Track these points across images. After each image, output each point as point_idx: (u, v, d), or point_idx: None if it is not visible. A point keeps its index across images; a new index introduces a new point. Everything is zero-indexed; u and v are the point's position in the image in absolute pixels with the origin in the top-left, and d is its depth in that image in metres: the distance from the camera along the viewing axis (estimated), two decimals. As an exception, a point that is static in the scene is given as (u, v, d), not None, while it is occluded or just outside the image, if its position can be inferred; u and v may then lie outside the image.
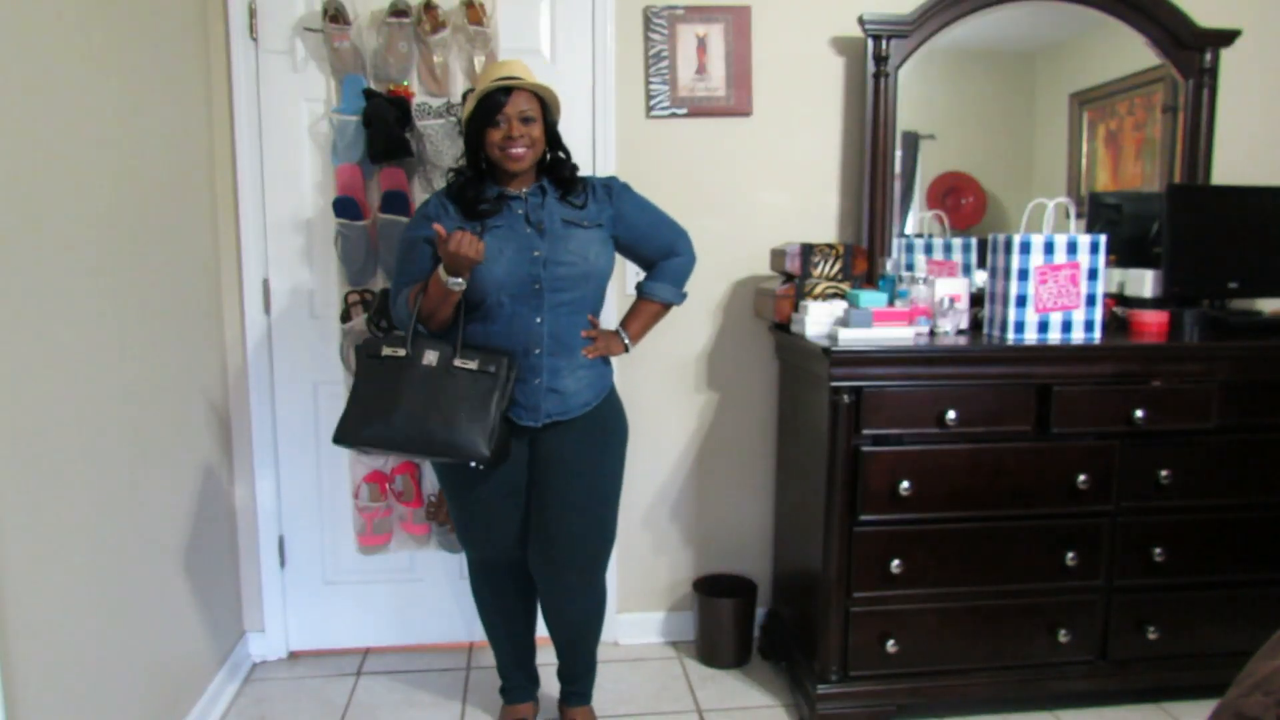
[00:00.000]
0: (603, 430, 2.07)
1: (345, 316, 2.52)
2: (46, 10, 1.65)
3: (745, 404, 2.77)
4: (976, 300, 2.46)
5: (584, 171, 2.10)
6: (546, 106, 1.98)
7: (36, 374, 1.59)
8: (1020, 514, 2.24)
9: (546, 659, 2.35)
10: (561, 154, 2.03)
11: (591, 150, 2.57)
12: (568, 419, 2.01)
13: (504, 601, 2.23)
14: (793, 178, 2.68)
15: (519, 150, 1.91)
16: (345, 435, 1.91)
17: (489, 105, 1.90)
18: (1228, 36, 2.61)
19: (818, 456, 2.24)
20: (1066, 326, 2.26)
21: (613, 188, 2.07)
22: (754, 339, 2.74)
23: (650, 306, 2.15)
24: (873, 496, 2.18)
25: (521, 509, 2.10)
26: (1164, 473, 2.25)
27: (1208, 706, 2.29)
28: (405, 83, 2.46)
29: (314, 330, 2.60)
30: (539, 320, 1.95)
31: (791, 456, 2.59)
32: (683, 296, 2.17)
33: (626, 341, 2.14)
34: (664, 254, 2.11)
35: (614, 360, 2.15)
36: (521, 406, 1.98)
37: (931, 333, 2.30)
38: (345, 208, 2.41)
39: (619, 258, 2.12)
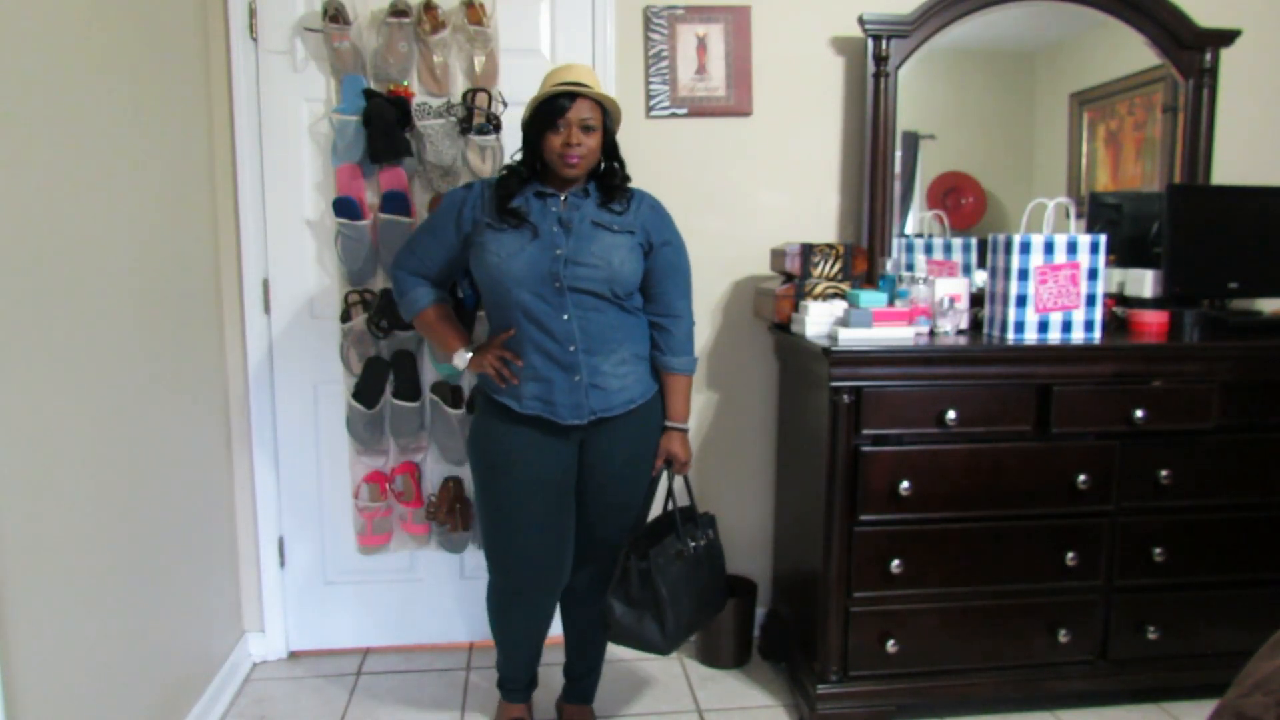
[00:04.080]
0: (649, 430, 2.07)
1: (345, 316, 2.51)
2: (46, 10, 1.65)
3: (745, 404, 2.77)
4: (976, 300, 2.46)
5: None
6: (607, 115, 1.97)
7: (36, 373, 1.59)
8: (1020, 514, 2.24)
9: (550, 658, 2.35)
10: (616, 164, 2.03)
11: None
12: (613, 415, 1.99)
13: (525, 610, 2.15)
14: (793, 178, 2.68)
15: (576, 158, 1.91)
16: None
17: (551, 109, 1.89)
18: (1228, 36, 2.61)
19: (818, 456, 2.24)
20: (1066, 326, 2.26)
21: (660, 213, 2.05)
22: (754, 339, 2.74)
23: (680, 381, 2.10)
24: (873, 496, 2.18)
25: (569, 525, 2.07)
26: (1164, 473, 2.25)
27: (1208, 706, 2.29)
28: (405, 83, 2.46)
29: (314, 330, 2.60)
30: (566, 318, 1.93)
31: (791, 456, 2.59)
32: (695, 363, 2.13)
33: (679, 426, 2.10)
34: (664, 304, 2.06)
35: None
36: (563, 405, 1.96)
37: (931, 333, 2.30)
38: (345, 208, 2.41)
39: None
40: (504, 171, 2.02)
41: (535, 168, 1.99)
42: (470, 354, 2.04)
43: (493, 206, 1.96)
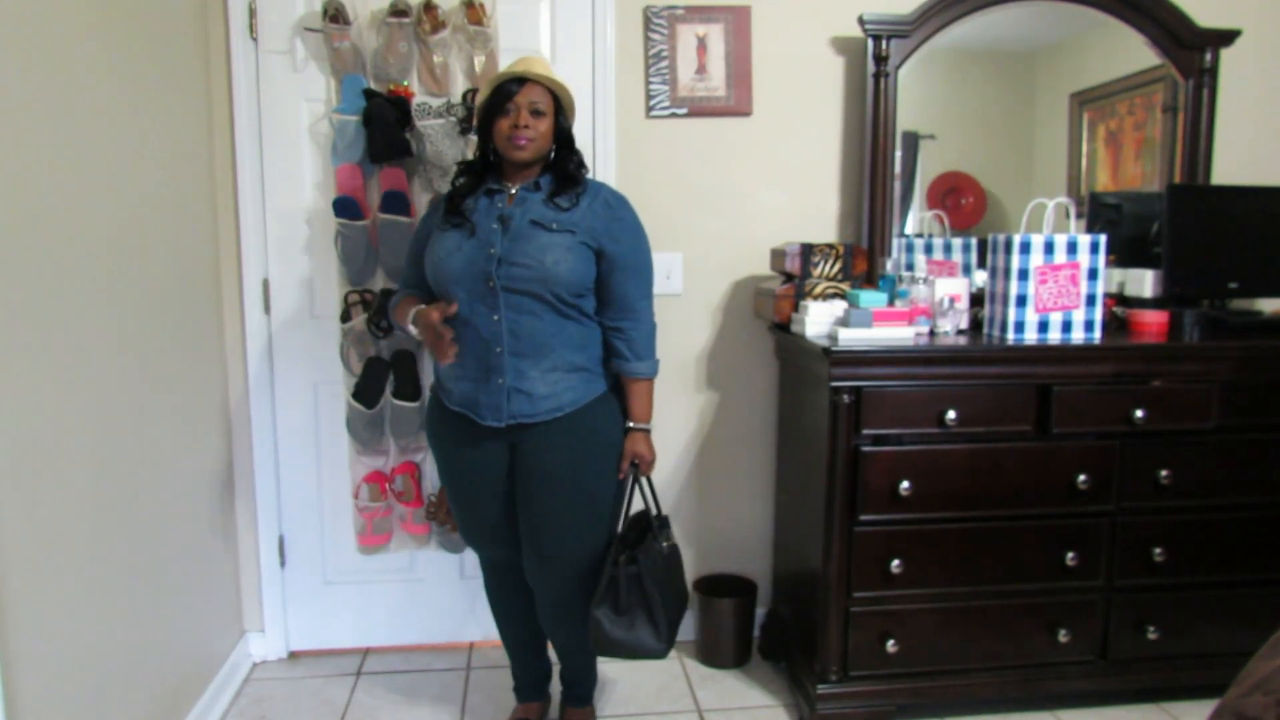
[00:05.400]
0: (588, 438, 1.99)
1: (345, 316, 2.52)
2: (46, 10, 1.65)
3: (745, 404, 2.77)
4: (976, 300, 2.46)
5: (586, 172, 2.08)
6: (561, 106, 1.97)
7: (37, 374, 1.59)
8: (1020, 514, 2.24)
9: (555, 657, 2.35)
10: (569, 154, 2.01)
11: (591, 150, 2.57)
12: (536, 422, 1.94)
13: (508, 602, 2.21)
14: (793, 178, 2.68)
15: (524, 140, 1.90)
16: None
17: (500, 94, 1.91)
18: (1228, 36, 2.61)
19: (818, 456, 2.24)
20: (1066, 326, 2.26)
21: (616, 210, 1.99)
22: (754, 339, 2.74)
23: (640, 385, 2.03)
24: (873, 496, 2.18)
25: (508, 520, 2.07)
26: (1164, 473, 2.25)
27: (1208, 706, 2.29)
28: (405, 83, 2.46)
29: (314, 330, 2.60)
30: (496, 319, 1.91)
31: (791, 456, 2.59)
32: (657, 367, 2.06)
33: (640, 426, 2.05)
34: (623, 305, 1.99)
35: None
36: (484, 406, 1.94)
37: (931, 333, 2.30)
38: (345, 208, 2.41)
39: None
40: (459, 167, 2.04)
41: (489, 160, 2.00)
42: (411, 317, 1.99)
43: (445, 207, 1.98)
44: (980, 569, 2.25)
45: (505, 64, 2.47)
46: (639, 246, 2.02)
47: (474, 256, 1.91)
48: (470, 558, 2.72)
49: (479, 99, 1.97)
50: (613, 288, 1.99)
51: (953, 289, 2.36)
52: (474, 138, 2.41)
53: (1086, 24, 2.64)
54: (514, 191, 1.97)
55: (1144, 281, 2.55)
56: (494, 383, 1.94)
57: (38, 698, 1.58)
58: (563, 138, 2.00)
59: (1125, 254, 2.64)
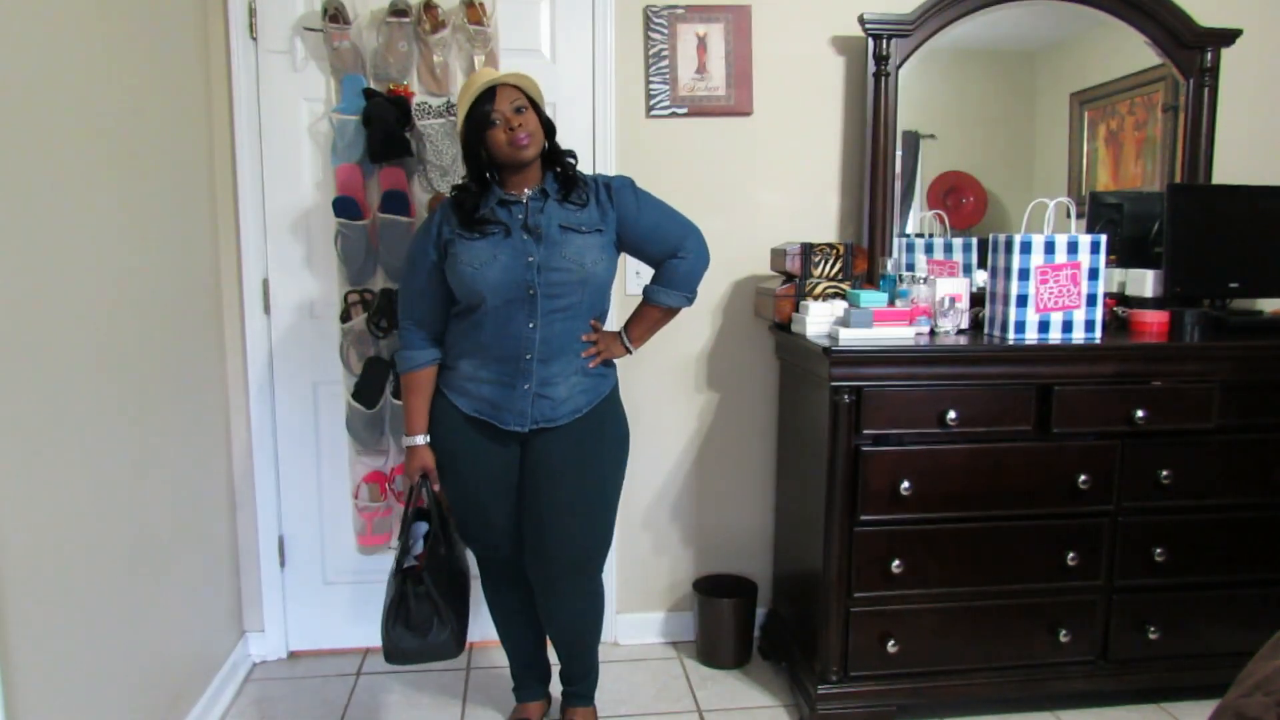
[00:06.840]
0: (597, 434, 2.04)
1: (345, 316, 2.51)
2: (46, 10, 1.65)
3: (745, 404, 2.77)
4: (977, 300, 2.46)
5: (584, 169, 2.08)
6: (533, 100, 1.97)
7: (36, 373, 1.59)
8: (1021, 514, 2.24)
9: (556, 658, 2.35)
10: (559, 145, 2.02)
11: (591, 150, 2.57)
12: (556, 426, 1.99)
13: (507, 601, 2.22)
14: (793, 178, 2.68)
15: (524, 137, 1.90)
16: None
17: (480, 112, 1.91)
18: (1228, 36, 2.61)
19: (818, 456, 2.24)
20: (1067, 326, 2.25)
21: (613, 187, 2.03)
22: (754, 339, 2.74)
23: (653, 311, 2.11)
24: (873, 496, 2.18)
25: (517, 509, 2.08)
26: (1164, 473, 2.25)
27: (1208, 706, 2.29)
28: (405, 82, 2.46)
29: (314, 330, 2.60)
30: (531, 326, 1.94)
31: (791, 456, 2.59)
32: (689, 300, 2.10)
33: (628, 344, 2.12)
34: (669, 253, 2.05)
35: (615, 361, 2.14)
36: (508, 411, 1.98)
37: (932, 332, 2.30)
38: (345, 207, 2.41)
39: (623, 256, 2.11)
40: (455, 191, 2.02)
41: (484, 178, 1.98)
42: (420, 441, 2.05)
43: (460, 224, 1.96)
44: (981, 569, 2.25)
45: (505, 64, 2.48)
46: (647, 201, 2.05)
47: (511, 265, 1.91)
48: (470, 558, 2.71)
49: (459, 125, 1.96)
50: (650, 246, 2.04)
51: (953, 289, 2.36)
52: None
53: (1087, 24, 2.64)
54: (527, 199, 1.97)
55: (1144, 281, 2.55)
56: (519, 389, 1.97)
57: (38, 698, 1.57)
58: (546, 127, 2.00)
59: (1126, 254, 2.64)
